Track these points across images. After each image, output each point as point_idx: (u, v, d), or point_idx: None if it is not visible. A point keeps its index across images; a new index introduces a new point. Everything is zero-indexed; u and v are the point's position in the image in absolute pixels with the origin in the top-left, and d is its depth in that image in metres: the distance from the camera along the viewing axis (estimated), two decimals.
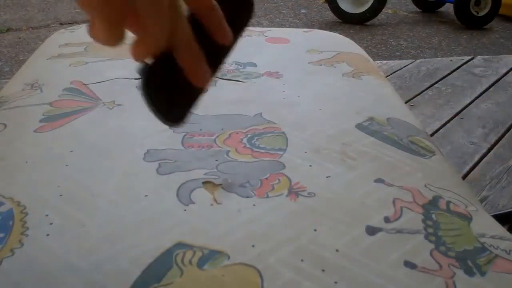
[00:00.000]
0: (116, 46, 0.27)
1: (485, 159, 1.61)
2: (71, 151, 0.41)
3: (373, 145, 0.44)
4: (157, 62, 0.28)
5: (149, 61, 0.28)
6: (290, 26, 3.37)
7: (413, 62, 2.50)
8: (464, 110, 1.96)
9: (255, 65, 0.61)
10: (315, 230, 0.33)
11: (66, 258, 0.30)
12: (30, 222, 0.33)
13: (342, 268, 0.30)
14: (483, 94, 2.14)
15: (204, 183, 0.37)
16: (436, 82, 2.24)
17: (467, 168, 1.54)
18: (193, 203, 0.35)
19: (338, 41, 0.75)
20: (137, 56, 0.28)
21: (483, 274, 0.31)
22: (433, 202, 0.37)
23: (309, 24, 3.51)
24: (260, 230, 0.33)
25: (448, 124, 1.84)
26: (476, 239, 0.34)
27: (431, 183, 0.40)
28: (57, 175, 0.38)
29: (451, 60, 2.58)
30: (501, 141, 1.73)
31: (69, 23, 3.21)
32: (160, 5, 0.27)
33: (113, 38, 0.27)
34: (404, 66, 2.42)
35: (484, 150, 1.66)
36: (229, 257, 0.30)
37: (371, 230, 0.33)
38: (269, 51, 0.67)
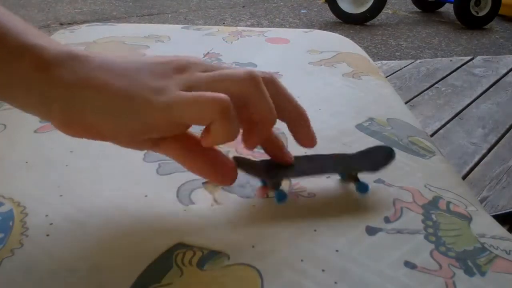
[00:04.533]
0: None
1: (485, 159, 1.61)
2: (71, 151, 0.41)
3: (373, 145, 0.44)
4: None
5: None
6: (290, 26, 3.37)
7: (413, 62, 2.50)
8: (464, 111, 1.97)
9: (255, 65, 0.61)
10: (315, 230, 0.33)
11: (66, 258, 0.30)
12: (30, 222, 0.33)
13: (342, 268, 0.30)
14: (483, 95, 2.15)
15: (204, 183, 0.37)
16: (436, 83, 2.25)
17: (467, 168, 1.54)
18: (193, 203, 0.35)
19: (338, 41, 0.75)
20: (250, 145, 0.33)
21: (483, 274, 0.31)
22: (433, 202, 0.37)
23: (309, 24, 3.51)
24: (260, 230, 0.33)
25: (448, 125, 1.84)
26: (476, 239, 0.34)
27: (431, 184, 0.40)
28: (57, 175, 0.38)
29: (451, 60, 2.58)
30: (501, 142, 1.73)
31: (69, 23, 3.21)
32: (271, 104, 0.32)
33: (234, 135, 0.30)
34: (404, 67, 2.43)
35: (484, 151, 1.66)
36: (229, 257, 0.30)
37: (371, 230, 0.33)
38: (269, 51, 0.67)
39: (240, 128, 0.31)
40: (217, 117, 0.29)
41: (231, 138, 0.30)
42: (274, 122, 0.32)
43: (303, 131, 0.34)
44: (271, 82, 0.32)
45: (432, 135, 1.76)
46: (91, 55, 0.30)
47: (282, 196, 0.34)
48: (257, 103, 0.31)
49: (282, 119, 0.34)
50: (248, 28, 0.78)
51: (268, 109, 0.31)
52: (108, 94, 0.28)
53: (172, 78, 0.30)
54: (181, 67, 0.31)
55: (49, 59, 0.28)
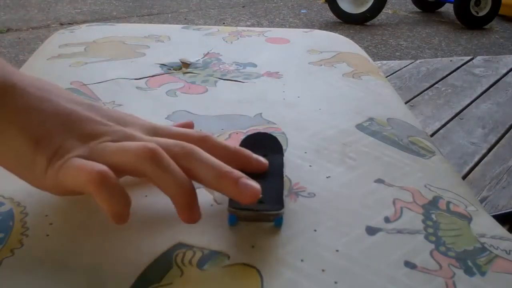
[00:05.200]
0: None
1: (485, 159, 1.61)
2: None
3: (373, 145, 0.44)
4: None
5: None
6: (290, 26, 3.37)
7: (413, 62, 2.50)
8: (464, 111, 1.97)
9: (255, 65, 0.61)
10: (315, 230, 0.33)
11: (66, 258, 0.30)
12: (30, 222, 0.33)
13: (342, 268, 0.30)
14: (483, 94, 2.15)
15: None
16: (436, 83, 2.25)
17: (467, 168, 1.54)
18: None
19: (338, 41, 0.75)
20: (186, 220, 0.30)
21: (483, 274, 0.31)
22: (433, 202, 0.37)
23: (309, 24, 3.51)
24: (260, 230, 0.33)
25: (448, 125, 1.84)
26: (476, 239, 0.34)
27: (431, 183, 0.40)
28: None
29: (451, 60, 2.58)
30: (501, 141, 1.73)
31: (69, 23, 3.21)
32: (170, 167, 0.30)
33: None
34: (404, 67, 2.43)
35: (484, 151, 1.66)
36: (229, 257, 0.30)
37: (371, 230, 0.33)
38: (269, 51, 0.67)
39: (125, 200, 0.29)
40: (90, 189, 0.29)
41: (110, 209, 0.29)
42: (187, 195, 0.30)
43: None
44: (185, 156, 0.31)
45: (432, 135, 1.76)
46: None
47: (281, 220, 0.33)
48: (158, 180, 0.30)
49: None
50: (248, 28, 0.78)
51: (170, 184, 0.30)
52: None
53: (83, 144, 0.31)
54: (96, 134, 0.32)
55: None
